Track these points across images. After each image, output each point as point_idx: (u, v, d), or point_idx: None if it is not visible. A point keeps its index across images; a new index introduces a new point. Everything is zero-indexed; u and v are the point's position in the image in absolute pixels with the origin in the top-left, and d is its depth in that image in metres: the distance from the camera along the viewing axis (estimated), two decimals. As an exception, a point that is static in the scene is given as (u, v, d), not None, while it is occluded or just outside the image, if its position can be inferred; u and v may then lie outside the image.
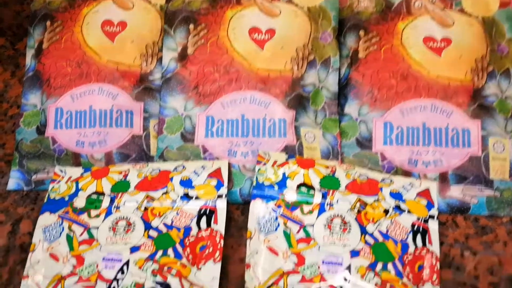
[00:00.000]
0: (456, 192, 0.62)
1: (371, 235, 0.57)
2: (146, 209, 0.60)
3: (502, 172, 0.62)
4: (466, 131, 0.63)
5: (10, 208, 0.66)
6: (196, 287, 0.54)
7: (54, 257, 0.57)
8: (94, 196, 0.62)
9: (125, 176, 0.63)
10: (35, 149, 0.68)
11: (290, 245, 0.57)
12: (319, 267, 0.55)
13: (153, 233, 0.58)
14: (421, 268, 0.56)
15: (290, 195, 0.60)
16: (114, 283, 0.55)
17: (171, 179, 0.62)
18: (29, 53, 0.72)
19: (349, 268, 0.55)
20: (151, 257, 0.56)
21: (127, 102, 0.67)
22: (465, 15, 0.68)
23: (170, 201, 0.60)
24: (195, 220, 0.59)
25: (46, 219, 0.60)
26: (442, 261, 0.58)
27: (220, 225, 0.59)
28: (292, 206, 0.59)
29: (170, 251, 0.56)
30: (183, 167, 0.63)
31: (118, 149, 0.67)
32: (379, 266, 0.55)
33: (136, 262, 0.56)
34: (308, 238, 0.57)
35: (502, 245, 0.59)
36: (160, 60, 0.70)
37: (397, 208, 0.59)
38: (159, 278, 0.54)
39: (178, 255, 0.56)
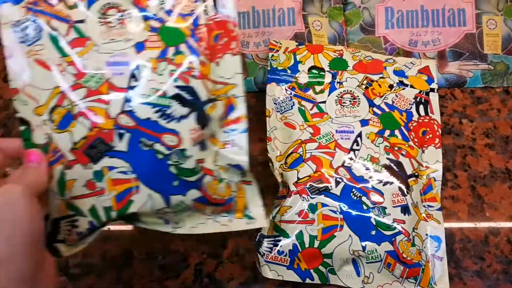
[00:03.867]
0: (453, 67, 0.67)
1: (379, 107, 0.63)
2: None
3: (495, 47, 0.67)
4: (462, 10, 0.68)
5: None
6: None
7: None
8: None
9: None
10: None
11: (305, 119, 0.62)
12: (333, 135, 0.61)
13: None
14: (424, 133, 0.62)
15: (303, 77, 0.65)
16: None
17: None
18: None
19: (360, 135, 0.61)
20: None
21: None
22: None
23: None
24: None
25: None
26: (443, 128, 0.65)
27: None
28: (305, 87, 0.65)
29: None
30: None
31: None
32: (387, 132, 0.61)
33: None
34: (321, 113, 0.63)
35: (496, 112, 0.65)
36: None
37: (401, 83, 0.65)
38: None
39: None
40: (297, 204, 0.58)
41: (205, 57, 0.49)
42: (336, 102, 0.63)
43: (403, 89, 0.64)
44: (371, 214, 0.57)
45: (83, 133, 0.46)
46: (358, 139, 0.61)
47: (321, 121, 0.62)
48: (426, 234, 0.59)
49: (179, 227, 0.51)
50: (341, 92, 0.64)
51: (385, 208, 0.57)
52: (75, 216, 0.47)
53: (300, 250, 0.56)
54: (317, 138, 0.61)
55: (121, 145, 0.46)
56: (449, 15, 0.68)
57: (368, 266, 0.57)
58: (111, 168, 0.46)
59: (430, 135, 0.63)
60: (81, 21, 0.48)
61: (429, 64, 0.67)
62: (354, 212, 0.57)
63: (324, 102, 0.63)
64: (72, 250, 0.49)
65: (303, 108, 0.63)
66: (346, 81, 0.65)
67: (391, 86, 0.64)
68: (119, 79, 0.46)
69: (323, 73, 0.65)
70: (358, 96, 0.63)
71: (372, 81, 0.65)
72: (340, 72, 0.65)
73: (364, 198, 0.57)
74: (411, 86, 0.65)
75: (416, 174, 0.60)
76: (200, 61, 0.48)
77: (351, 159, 0.59)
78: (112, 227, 0.62)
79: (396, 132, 0.61)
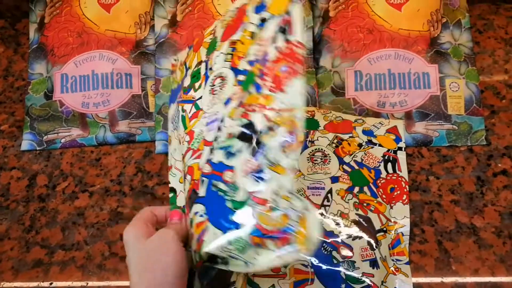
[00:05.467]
0: (420, 127, 0.71)
1: (348, 164, 0.66)
2: None
3: (458, 108, 0.71)
4: (426, 74, 0.73)
5: (26, 165, 0.73)
6: None
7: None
8: None
9: None
10: (45, 112, 0.75)
11: None
12: (305, 192, 0.64)
13: None
14: (392, 190, 0.65)
15: None
16: None
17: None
18: (32, 28, 0.79)
19: (330, 191, 0.64)
20: None
21: (126, 66, 0.75)
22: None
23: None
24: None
25: (172, 110, 0.64)
26: (411, 185, 0.68)
27: None
28: None
29: None
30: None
31: (120, 107, 0.74)
32: (356, 189, 0.64)
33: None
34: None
35: (461, 169, 0.69)
36: (152, 27, 0.77)
37: (369, 142, 0.68)
38: None
39: None
40: None
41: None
42: (308, 160, 0.66)
43: (372, 147, 0.68)
44: (340, 268, 0.59)
45: (187, 187, 0.54)
46: (329, 195, 0.64)
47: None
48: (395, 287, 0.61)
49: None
50: (313, 150, 0.67)
51: (354, 262, 0.59)
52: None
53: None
54: None
55: (202, 191, 0.51)
56: (414, 78, 0.72)
57: None
58: (196, 213, 0.51)
59: (398, 192, 0.66)
60: (200, 98, 0.56)
61: (397, 124, 0.71)
62: (324, 266, 0.59)
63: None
64: None
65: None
66: (318, 140, 0.68)
67: (360, 145, 0.68)
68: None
69: None
70: (328, 154, 0.67)
71: (342, 140, 0.68)
72: (312, 131, 0.69)
73: (334, 253, 0.60)
74: (380, 145, 0.68)
75: (385, 229, 0.63)
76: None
77: (322, 214, 0.62)
78: (90, 283, 0.64)
79: (365, 188, 0.64)
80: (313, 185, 0.64)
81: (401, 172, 0.67)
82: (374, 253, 0.61)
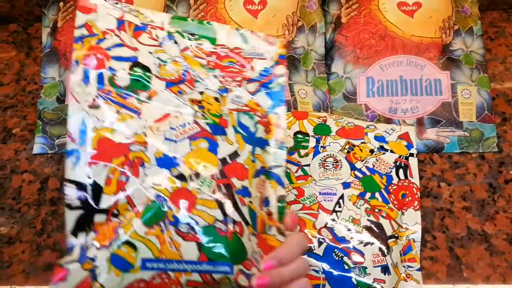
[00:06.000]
0: (431, 134, 0.71)
1: (360, 170, 0.66)
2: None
3: (470, 115, 0.71)
4: (438, 81, 0.73)
5: (38, 169, 0.73)
6: None
7: None
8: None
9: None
10: (57, 116, 0.75)
11: (290, 181, 0.65)
12: (316, 197, 0.64)
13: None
14: (404, 196, 0.65)
15: (288, 141, 0.69)
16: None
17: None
18: (45, 32, 0.80)
19: (342, 197, 0.64)
20: None
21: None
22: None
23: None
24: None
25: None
26: (422, 192, 0.68)
27: None
28: (291, 151, 0.68)
29: None
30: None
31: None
32: (368, 195, 0.64)
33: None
34: (305, 176, 0.66)
35: (472, 176, 0.69)
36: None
37: (381, 148, 0.68)
38: None
39: None
40: None
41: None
42: (319, 165, 0.67)
43: (383, 153, 0.68)
44: (352, 274, 0.59)
45: None
46: (340, 201, 0.64)
47: (305, 183, 0.65)
48: (406, 294, 0.61)
49: None
50: (324, 156, 0.67)
51: (366, 268, 0.59)
52: None
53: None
54: (301, 199, 0.64)
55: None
56: (426, 84, 0.72)
57: None
58: None
59: (410, 198, 0.66)
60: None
61: (408, 130, 0.71)
62: (335, 272, 0.59)
63: (308, 165, 0.67)
64: None
65: (288, 170, 0.66)
66: (329, 145, 0.68)
67: (371, 151, 0.68)
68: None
69: (308, 138, 0.69)
70: (340, 160, 0.67)
71: (354, 146, 0.68)
72: (323, 137, 0.69)
73: (345, 258, 0.60)
74: (391, 151, 0.68)
75: (396, 235, 0.63)
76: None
77: (333, 220, 0.62)
78: None
79: (377, 194, 0.64)
80: (324, 191, 0.64)
81: (412, 178, 0.67)
82: (386, 259, 0.61)
